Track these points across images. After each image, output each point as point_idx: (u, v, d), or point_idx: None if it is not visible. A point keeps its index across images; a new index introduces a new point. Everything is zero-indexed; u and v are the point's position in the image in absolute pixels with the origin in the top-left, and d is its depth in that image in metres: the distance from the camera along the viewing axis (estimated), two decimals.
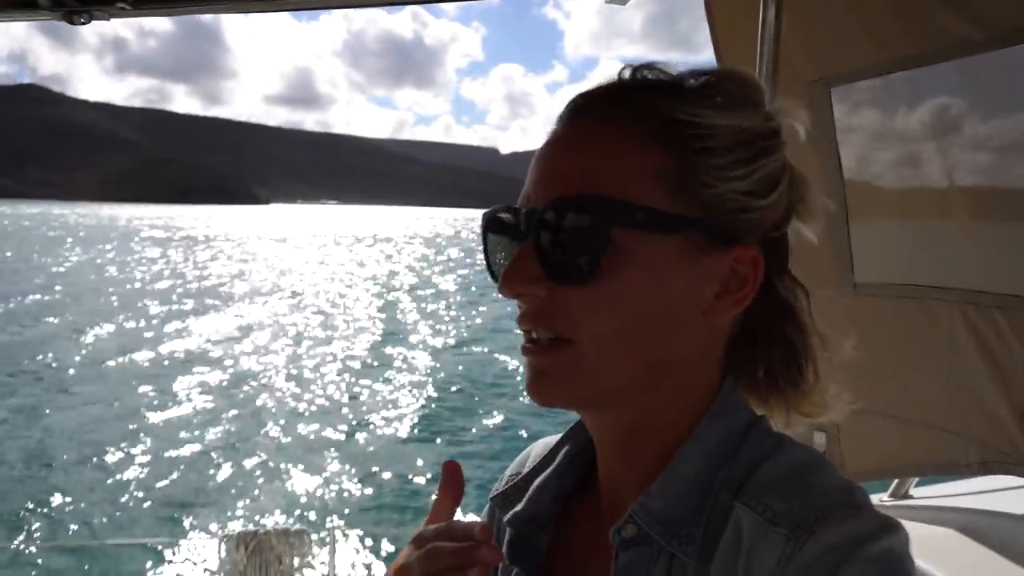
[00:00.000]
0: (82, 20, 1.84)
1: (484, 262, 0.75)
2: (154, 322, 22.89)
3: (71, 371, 16.77)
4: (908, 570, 0.56)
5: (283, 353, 19.55)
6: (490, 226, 0.73)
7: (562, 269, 0.65)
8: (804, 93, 2.28)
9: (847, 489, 0.61)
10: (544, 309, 0.67)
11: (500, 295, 0.68)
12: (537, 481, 0.82)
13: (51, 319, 22.97)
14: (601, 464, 0.77)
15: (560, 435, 0.86)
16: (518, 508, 0.81)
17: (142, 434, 12.32)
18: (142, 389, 15.01)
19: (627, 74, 0.74)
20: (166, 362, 17.71)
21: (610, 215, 0.64)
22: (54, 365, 17.16)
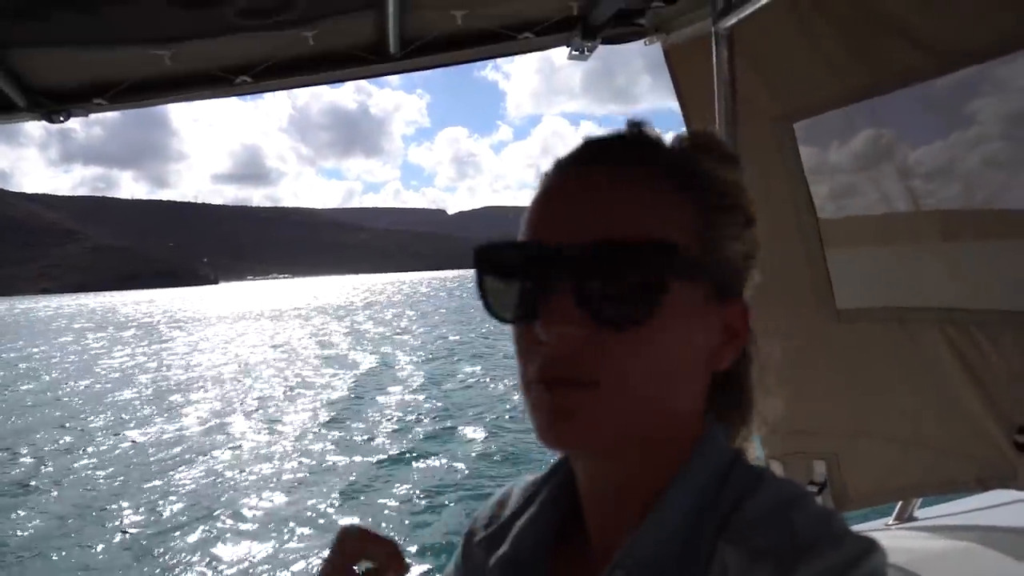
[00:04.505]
0: (61, 119, 1.87)
1: (482, 301, 0.71)
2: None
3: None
4: None
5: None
6: (490, 266, 0.71)
7: (611, 312, 0.63)
8: (768, 130, 2.35)
9: (828, 520, 0.61)
10: (578, 351, 0.64)
11: (539, 334, 0.64)
12: (519, 523, 0.81)
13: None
14: (588, 507, 0.76)
15: (541, 474, 0.85)
16: (503, 551, 0.79)
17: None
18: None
19: (632, 128, 0.74)
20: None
21: (665, 261, 0.64)
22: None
